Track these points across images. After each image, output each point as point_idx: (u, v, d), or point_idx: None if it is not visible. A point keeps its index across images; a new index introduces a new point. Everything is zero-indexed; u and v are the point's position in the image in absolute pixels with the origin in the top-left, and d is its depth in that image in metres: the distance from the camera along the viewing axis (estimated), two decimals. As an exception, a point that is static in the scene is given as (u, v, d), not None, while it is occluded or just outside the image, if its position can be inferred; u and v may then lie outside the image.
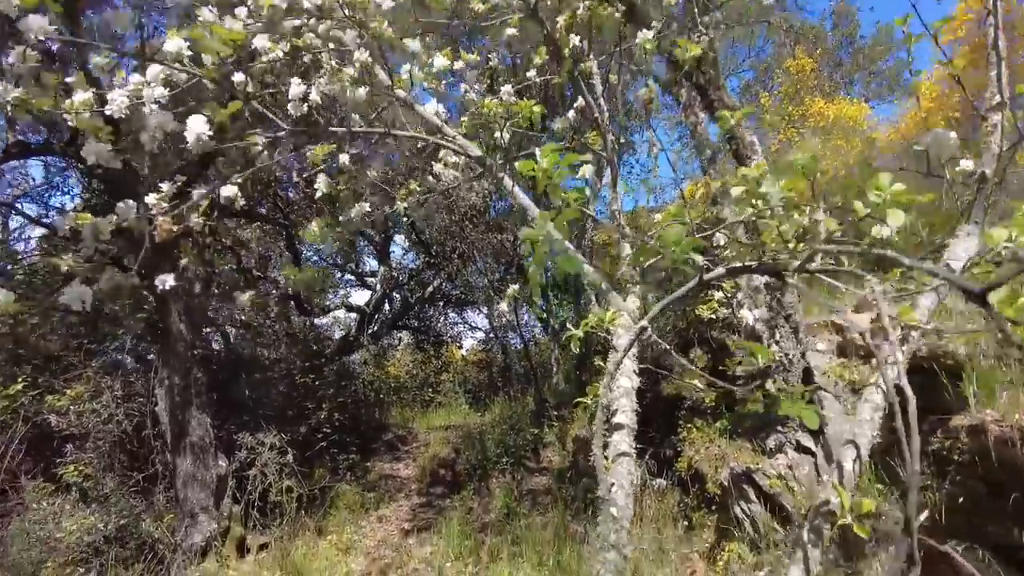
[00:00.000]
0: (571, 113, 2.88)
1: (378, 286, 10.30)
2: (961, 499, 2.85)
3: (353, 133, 2.23)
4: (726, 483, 4.49)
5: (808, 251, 1.32)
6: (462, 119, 3.01)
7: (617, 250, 3.09)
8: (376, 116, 2.84)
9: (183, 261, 4.40)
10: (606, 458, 1.83)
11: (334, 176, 2.62)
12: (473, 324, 12.53)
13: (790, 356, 4.40)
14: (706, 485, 4.93)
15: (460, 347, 12.81)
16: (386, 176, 6.13)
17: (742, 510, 4.33)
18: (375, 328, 10.93)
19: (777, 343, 4.42)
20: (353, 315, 11.11)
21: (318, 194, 2.51)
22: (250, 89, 1.93)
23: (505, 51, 6.64)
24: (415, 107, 2.81)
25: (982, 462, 2.79)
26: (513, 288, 3.54)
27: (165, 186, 1.83)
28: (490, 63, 3.84)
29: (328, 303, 11.12)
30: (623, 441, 1.86)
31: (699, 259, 1.76)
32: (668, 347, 1.83)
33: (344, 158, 2.43)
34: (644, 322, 1.81)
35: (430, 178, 3.78)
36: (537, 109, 2.91)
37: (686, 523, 5.04)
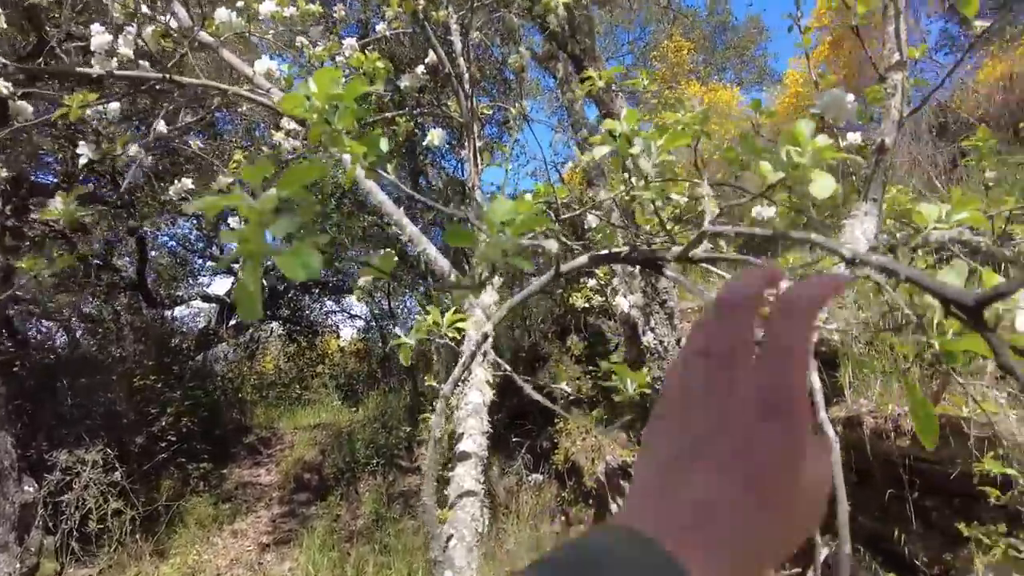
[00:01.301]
0: (420, 69, 2.43)
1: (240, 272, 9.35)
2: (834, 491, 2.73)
3: (115, 76, 1.66)
4: (602, 477, 4.29)
5: (696, 235, 0.96)
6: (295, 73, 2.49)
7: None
8: (175, 63, 2.25)
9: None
10: (447, 501, 1.43)
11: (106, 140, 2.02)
12: (351, 312, 11.80)
13: (665, 343, 4.25)
14: (583, 479, 4.73)
15: (338, 337, 12.03)
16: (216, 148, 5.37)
17: (618, 505, 4.15)
18: (239, 319, 9.98)
19: (652, 329, 4.25)
20: (212, 306, 10.08)
21: (81, 161, 1.91)
22: None
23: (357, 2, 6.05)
24: (224, 54, 2.25)
25: (856, 453, 2.68)
26: (366, 280, 3.07)
27: None
28: (335, 14, 3.30)
29: (182, 293, 10.01)
30: (468, 476, 1.47)
31: (552, 246, 1.39)
32: (508, 369, 1.46)
33: (115, 107, 1.84)
34: (488, 327, 1.42)
35: (265, 149, 3.19)
36: (381, 65, 2.44)
37: (563, 518, 4.82)
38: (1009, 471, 2.09)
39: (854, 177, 1.85)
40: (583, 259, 1.27)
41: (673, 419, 0.36)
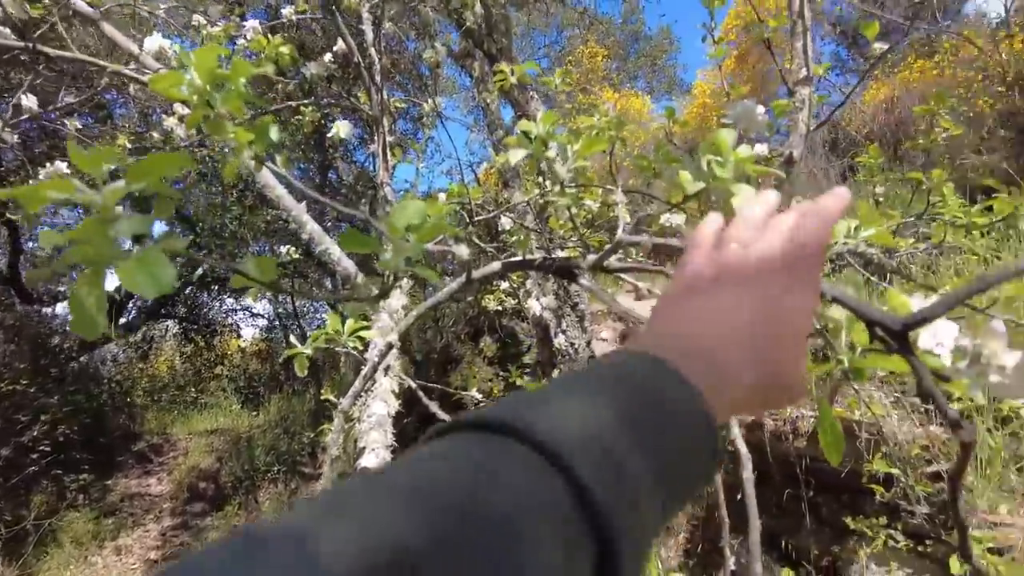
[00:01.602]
0: (328, 57, 2.30)
1: (132, 268, 8.66)
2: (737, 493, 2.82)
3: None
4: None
5: (611, 245, 0.92)
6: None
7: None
8: (43, 33, 2.01)
9: None
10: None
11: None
12: (253, 311, 11.21)
13: (576, 345, 4.30)
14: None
15: (239, 337, 11.41)
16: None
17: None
18: (129, 318, 9.27)
19: (563, 332, 4.28)
20: (98, 302, 9.29)
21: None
22: None
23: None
24: (104, 27, 2.03)
25: (756, 455, 2.78)
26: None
27: None
28: (237, -5, 3.09)
29: (64, 289, 9.17)
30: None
31: (463, 252, 1.33)
32: (415, 385, 1.39)
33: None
34: (393, 336, 1.34)
35: (155, 135, 2.95)
36: (286, 50, 2.29)
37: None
38: (893, 470, 2.23)
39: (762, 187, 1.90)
40: (496, 266, 1.21)
41: (700, 254, 0.40)
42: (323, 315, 10.55)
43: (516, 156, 1.05)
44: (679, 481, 0.29)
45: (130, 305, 9.26)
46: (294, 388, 8.68)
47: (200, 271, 9.24)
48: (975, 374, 0.45)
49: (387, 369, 1.32)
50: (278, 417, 6.93)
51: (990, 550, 1.88)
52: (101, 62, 1.74)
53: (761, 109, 1.41)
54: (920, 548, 2.34)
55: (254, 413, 7.81)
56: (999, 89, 5.98)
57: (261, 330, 11.38)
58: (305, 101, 2.97)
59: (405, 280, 2.05)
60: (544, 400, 0.27)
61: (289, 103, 3.16)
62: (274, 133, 0.90)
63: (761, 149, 2.00)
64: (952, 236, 2.78)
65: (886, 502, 2.36)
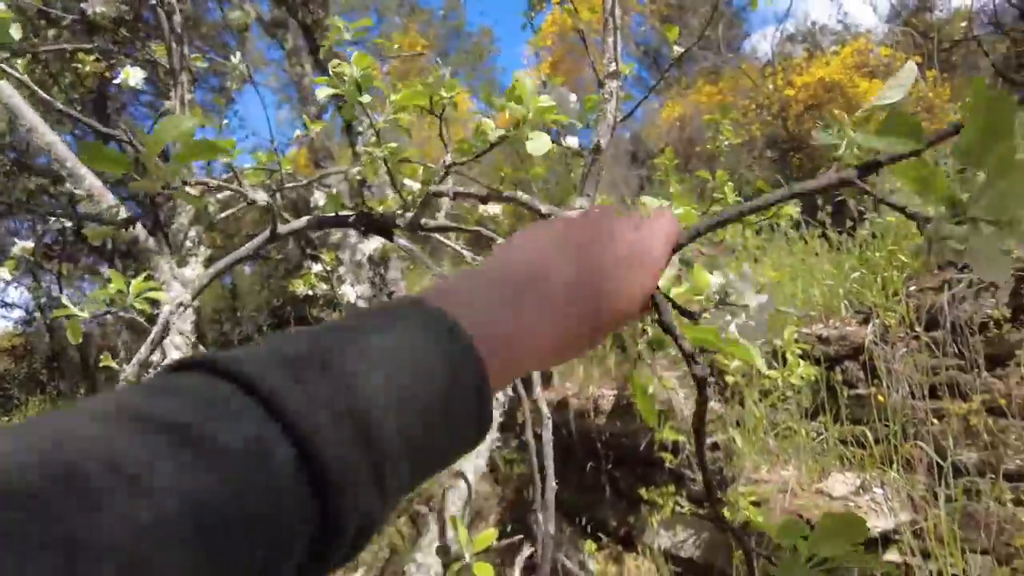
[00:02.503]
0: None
1: None
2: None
3: None
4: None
5: (425, 195, 0.90)
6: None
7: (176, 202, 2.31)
8: None
9: None
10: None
11: None
12: (5, 300, 9.49)
13: (394, 335, 4.22)
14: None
15: (-14, 330, 9.62)
16: None
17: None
18: None
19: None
20: None
21: None
22: None
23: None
24: None
25: (562, 432, 2.93)
26: (23, 246, 2.44)
27: None
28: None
29: None
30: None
31: (261, 197, 1.21)
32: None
33: None
34: (186, 296, 1.19)
35: None
36: None
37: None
38: (679, 437, 2.47)
39: (572, 175, 2.00)
40: (303, 221, 1.12)
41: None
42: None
43: (323, 93, 0.98)
44: (430, 444, 0.26)
45: None
46: (59, 389, 7.52)
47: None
48: (722, 316, 0.46)
49: (165, 329, 1.17)
50: (39, 421, 5.92)
51: (753, 503, 2.17)
52: None
53: (573, 96, 1.47)
54: (700, 511, 2.63)
55: (6, 419, 6.62)
56: (768, 117, 6.98)
57: (16, 323, 9.70)
58: (85, 46, 2.54)
59: (203, 248, 1.84)
60: (289, 347, 0.24)
61: (63, 46, 2.66)
62: (15, 31, 0.73)
63: (573, 141, 2.10)
64: (731, 235, 3.14)
65: (673, 469, 2.61)
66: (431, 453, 0.26)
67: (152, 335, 1.32)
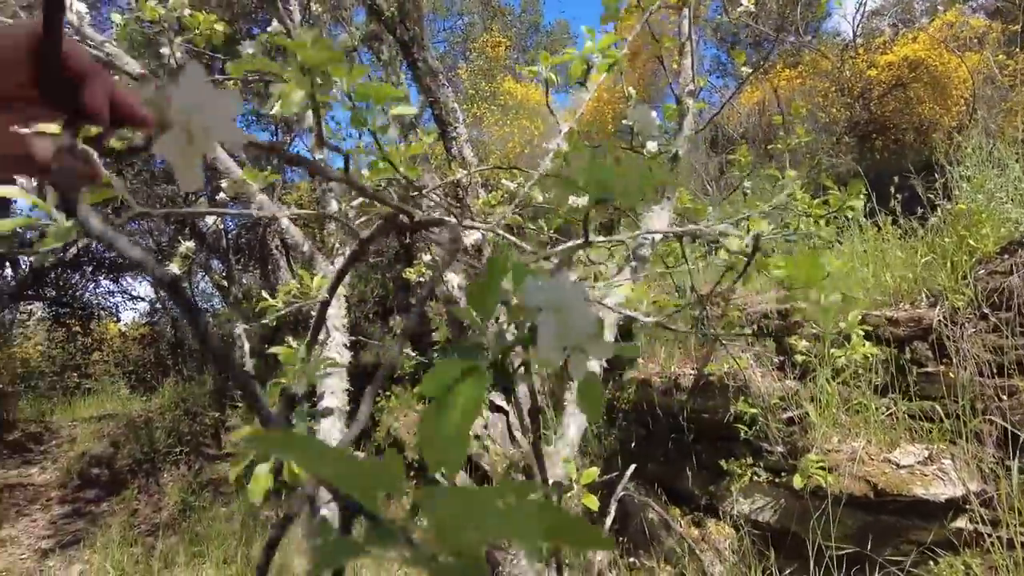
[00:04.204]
0: (263, 37, 2.42)
1: (-9, 245, 7.96)
2: (632, 443, 3.24)
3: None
4: (425, 448, 4.52)
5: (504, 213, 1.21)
6: (117, 25, 2.32)
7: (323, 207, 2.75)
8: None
9: None
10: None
11: None
12: (133, 293, 10.57)
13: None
14: (405, 452, 4.90)
15: (118, 321, 10.73)
16: None
17: (441, 475, 4.39)
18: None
19: (475, 308, 4.54)
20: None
21: None
22: None
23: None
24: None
25: (647, 410, 3.21)
26: (187, 245, 2.95)
27: None
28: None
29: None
30: (333, 428, 1.59)
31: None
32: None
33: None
34: (324, 293, 1.56)
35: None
36: (220, 27, 2.39)
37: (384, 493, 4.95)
38: (753, 410, 2.70)
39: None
40: (407, 219, 1.46)
41: None
42: (212, 295, 10.18)
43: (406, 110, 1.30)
44: None
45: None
46: (183, 373, 8.39)
47: (74, 250, 8.64)
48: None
49: (323, 314, 1.54)
50: (174, 400, 6.72)
51: (823, 468, 2.38)
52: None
53: (654, 114, 1.79)
54: (776, 480, 2.84)
55: (145, 398, 7.50)
56: (848, 100, 6.87)
57: (142, 314, 10.79)
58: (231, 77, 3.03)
59: (348, 249, 2.24)
60: None
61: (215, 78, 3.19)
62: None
63: (652, 146, 2.37)
64: (804, 225, 3.32)
65: (751, 442, 2.84)
66: None
67: (315, 319, 1.71)
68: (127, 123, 0.38)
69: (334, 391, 1.70)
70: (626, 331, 3.52)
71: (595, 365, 1.65)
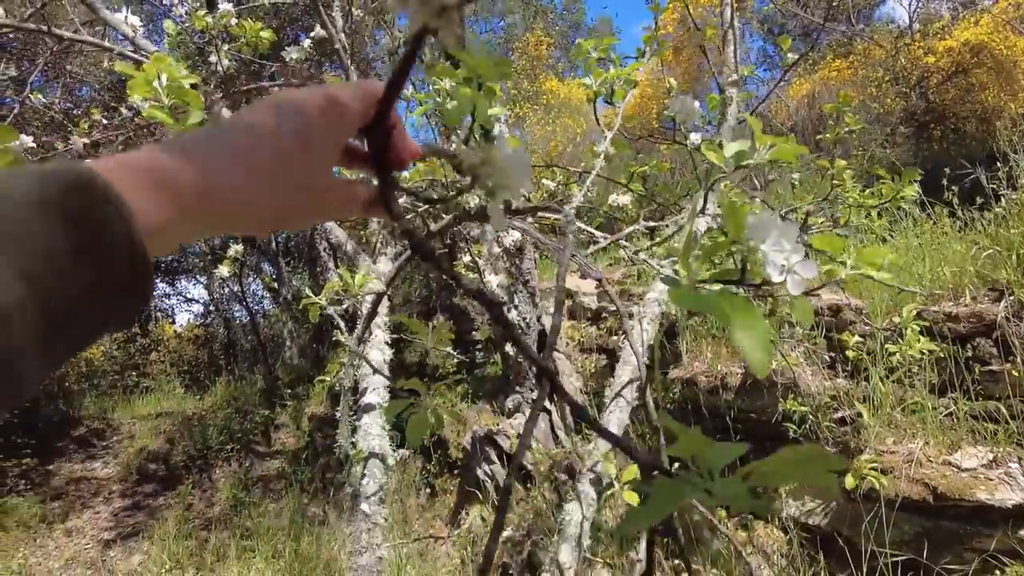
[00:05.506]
0: (307, 42, 2.48)
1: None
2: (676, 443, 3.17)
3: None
4: (468, 446, 4.53)
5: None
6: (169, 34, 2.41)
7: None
8: (33, 14, 2.11)
9: None
10: (353, 445, 1.57)
11: None
12: (188, 295, 11.00)
13: (527, 319, 4.57)
14: (448, 450, 4.94)
15: (173, 322, 11.16)
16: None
17: (484, 472, 4.41)
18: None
19: (516, 307, 4.55)
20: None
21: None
22: None
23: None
24: (94, 7, 2.14)
25: (692, 408, 3.15)
26: (236, 249, 3.03)
27: None
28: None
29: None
30: (374, 423, 1.61)
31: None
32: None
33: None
34: (381, 285, 1.58)
35: (125, 111, 3.03)
36: (266, 35, 2.45)
37: (429, 490, 5.00)
38: (803, 408, 2.62)
39: (696, 170, 2.22)
40: (449, 218, 1.46)
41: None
42: (263, 296, 10.47)
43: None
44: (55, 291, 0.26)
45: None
46: (235, 373, 8.64)
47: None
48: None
49: (374, 311, 1.56)
50: (226, 398, 6.94)
51: (881, 471, 2.29)
52: (107, 44, 1.87)
53: (696, 103, 1.75)
54: (827, 482, 2.75)
55: (198, 397, 7.77)
56: (903, 90, 6.60)
57: (196, 316, 11.18)
58: (275, 83, 3.11)
59: (390, 248, 2.27)
60: None
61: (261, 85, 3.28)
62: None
63: (695, 138, 2.32)
64: (855, 216, 3.21)
65: (799, 441, 2.75)
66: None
67: (364, 317, 1.74)
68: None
69: (376, 387, 1.72)
70: (670, 330, 3.47)
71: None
